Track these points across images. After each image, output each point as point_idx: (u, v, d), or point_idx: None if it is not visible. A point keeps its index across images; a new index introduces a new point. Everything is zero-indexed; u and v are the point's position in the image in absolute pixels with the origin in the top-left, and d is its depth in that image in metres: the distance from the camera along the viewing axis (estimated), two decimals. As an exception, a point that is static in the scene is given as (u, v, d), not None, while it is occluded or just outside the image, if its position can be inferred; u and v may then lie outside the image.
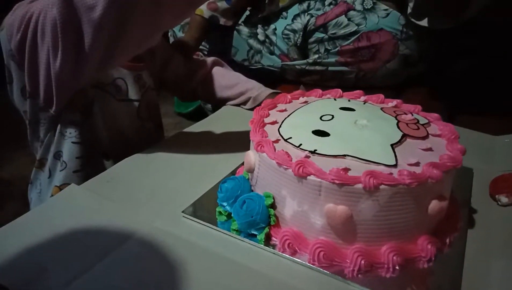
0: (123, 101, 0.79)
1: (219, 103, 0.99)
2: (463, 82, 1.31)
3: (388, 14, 1.22)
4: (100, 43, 0.59)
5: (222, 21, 1.33)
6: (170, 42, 1.52)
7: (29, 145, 0.78)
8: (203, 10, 1.31)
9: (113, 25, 0.57)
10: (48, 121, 0.72)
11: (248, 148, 0.58)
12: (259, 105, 0.66)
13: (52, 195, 0.75)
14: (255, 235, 0.52)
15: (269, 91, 0.94)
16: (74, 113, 0.72)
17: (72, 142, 0.72)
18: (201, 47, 1.41)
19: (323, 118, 0.58)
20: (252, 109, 0.92)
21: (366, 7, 1.23)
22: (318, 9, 1.26)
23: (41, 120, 0.72)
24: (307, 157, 0.50)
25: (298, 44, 1.28)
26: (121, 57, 0.67)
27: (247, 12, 1.36)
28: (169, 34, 1.52)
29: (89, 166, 0.75)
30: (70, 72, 0.62)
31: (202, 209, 0.58)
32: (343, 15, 1.23)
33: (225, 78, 0.98)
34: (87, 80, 0.67)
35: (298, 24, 1.27)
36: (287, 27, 1.28)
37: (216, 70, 0.99)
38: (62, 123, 0.72)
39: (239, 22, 1.36)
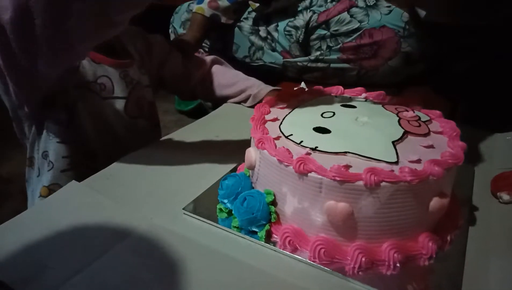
0: (108, 99, 0.78)
1: (219, 101, 0.99)
2: (464, 80, 1.30)
3: (390, 11, 1.22)
4: (19, 46, 0.56)
5: (223, 19, 1.33)
6: (171, 39, 1.52)
7: (22, 143, 0.78)
8: (204, 8, 1.30)
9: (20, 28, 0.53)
10: (28, 119, 0.71)
11: (249, 145, 0.58)
12: (259, 102, 0.66)
13: (40, 195, 0.75)
14: (256, 232, 0.52)
15: (269, 88, 0.94)
16: (58, 112, 0.71)
17: (58, 142, 0.72)
18: (183, 32, 1.41)
19: (324, 115, 0.58)
20: (252, 107, 0.92)
21: (369, 4, 1.23)
22: (320, 6, 1.25)
23: (22, 118, 0.72)
24: (308, 154, 0.50)
25: (300, 41, 1.27)
26: (67, 56, 0.62)
27: (249, 9, 1.36)
28: (170, 30, 1.52)
29: (77, 165, 0.74)
30: (19, 72, 0.60)
31: (203, 206, 0.58)
32: (346, 12, 1.23)
33: (225, 77, 0.98)
34: (49, 81, 0.65)
35: (300, 21, 1.26)
36: (289, 23, 1.28)
37: (215, 69, 0.98)
38: (47, 123, 0.71)
39: (241, 18, 1.36)
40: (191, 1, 1.45)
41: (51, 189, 0.73)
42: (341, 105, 0.61)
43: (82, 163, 0.75)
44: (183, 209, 0.57)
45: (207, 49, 1.43)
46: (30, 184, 0.79)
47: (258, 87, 0.94)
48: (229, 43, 1.39)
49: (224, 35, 1.39)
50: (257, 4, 1.32)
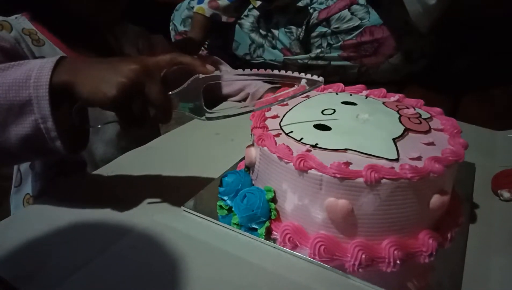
0: None
1: (219, 100, 0.99)
2: (465, 78, 1.30)
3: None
4: None
5: (224, 18, 1.32)
6: (172, 37, 1.52)
7: None
8: (205, 9, 1.30)
9: None
10: None
11: (249, 142, 0.58)
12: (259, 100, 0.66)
13: (23, 204, 0.76)
14: (256, 229, 0.52)
15: (267, 86, 0.94)
16: None
17: None
18: (183, 29, 1.41)
19: (324, 112, 0.58)
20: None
21: (370, 1, 1.22)
22: (321, 3, 1.25)
23: None
24: (308, 151, 0.50)
25: (301, 38, 1.27)
26: None
27: (250, 6, 1.36)
28: (170, 28, 1.52)
29: (65, 173, 0.74)
30: None
31: (203, 203, 0.58)
32: (346, 9, 1.23)
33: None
34: None
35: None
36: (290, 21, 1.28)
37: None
38: None
39: (241, 16, 1.36)
40: (191, -1, 1.45)
41: (35, 198, 0.74)
42: (342, 102, 0.61)
43: (71, 171, 0.75)
44: (183, 206, 0.57)
45: (206, 46, 1.43)
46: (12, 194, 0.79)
47: (256, 86, 0.94)
48: (229, 40, 1.39)
49: (225, 33, 1.39)
50: (259, 2, 1.32)
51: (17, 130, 0.47)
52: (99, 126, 0.52)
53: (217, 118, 0.53)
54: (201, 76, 0.52)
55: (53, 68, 0.46)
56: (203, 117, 0.53)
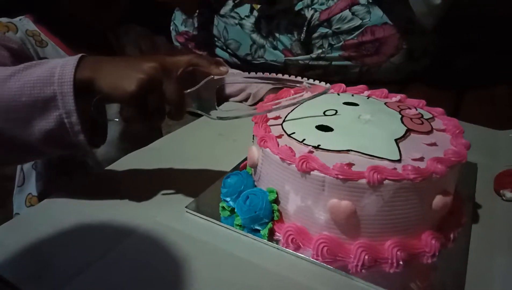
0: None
1: (221, 101, 0.99)
2: (467, 76, 1.30)
3: (392, 8, 1.21)
4: None
5: None
6: (173, 37, 1.52)
7: None
8: None
9: None
10: None
11: (251, 144, 0.58)
12: (260, 100, 0.66)
13: (25, 203, 0.76)
14: (259, 230, 0.52)
15: (269, 86, 0.94)
16: None
17: None
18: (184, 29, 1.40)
19: (326, 113, 0.58)
20: (254, 105, 0.92)
21: (370, 1, 1.22)
22: (322, 4, 1.25)
23: None
24: (311, 152, 0.50)
25: (302, 39, 1.27)
26: None
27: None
28: (171, 28, 1.52)
29: (66, 173, 0.74)
30: None
31: (205, 205, 0.58)
32: (347, 10, 1.22)
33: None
34: None
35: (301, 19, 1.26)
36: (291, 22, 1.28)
37: None
38: None
39: (243, 16, 1.36)
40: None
41: (40, 199, 0.74)
42: (344, 103, 0.61)
43: (73, 171, 0.75)
44: (186, 207, 0.57)
45: (186, 37, 1.42)
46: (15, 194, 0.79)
47: (257, 86, 0.94)
48: (214, 35, 1.38)
49: (206, 26, 1.38)
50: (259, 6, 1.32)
51: (41, 125, 0.49)
52: (116, 119, 0.55)
53: (228, 118, 0.56)
54: (216, 77, 0.54)
55: (76, 65, 0.48)
56: (215, 116, 0.55)
